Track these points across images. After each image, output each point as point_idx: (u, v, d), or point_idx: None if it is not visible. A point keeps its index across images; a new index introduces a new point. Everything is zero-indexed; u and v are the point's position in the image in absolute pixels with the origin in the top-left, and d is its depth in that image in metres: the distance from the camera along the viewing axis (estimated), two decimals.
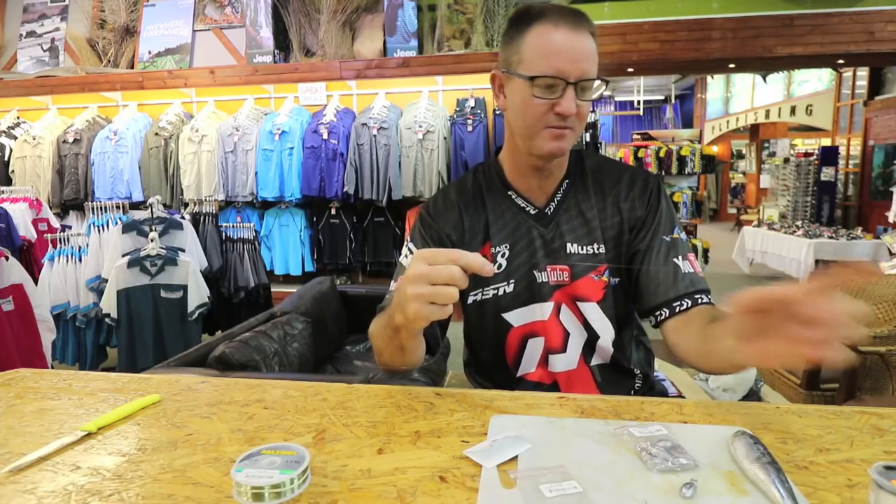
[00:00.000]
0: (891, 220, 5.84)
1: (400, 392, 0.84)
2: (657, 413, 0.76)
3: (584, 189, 1.00)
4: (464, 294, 0.99)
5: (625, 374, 1.02)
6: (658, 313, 0.93)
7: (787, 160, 8.43)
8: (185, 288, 2.93)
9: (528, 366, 1.00)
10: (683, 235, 0.99)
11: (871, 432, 0.69)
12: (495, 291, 0.98)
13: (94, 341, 3.27)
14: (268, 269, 3.93)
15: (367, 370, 2.30)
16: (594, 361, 1.00)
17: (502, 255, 0.98)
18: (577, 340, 0.98)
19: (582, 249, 0.97)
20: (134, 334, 2.92)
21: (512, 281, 0.98)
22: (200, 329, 3.09)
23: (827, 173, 7.45)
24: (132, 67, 4.89)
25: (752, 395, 2.32)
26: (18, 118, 4.95)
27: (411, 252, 0.99)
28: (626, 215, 0.98)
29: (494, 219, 1.00)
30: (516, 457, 0.63)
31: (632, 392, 1.02)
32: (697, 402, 0.80)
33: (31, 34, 5.20)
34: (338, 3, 4.48)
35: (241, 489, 0.56)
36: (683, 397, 1.45)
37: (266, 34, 4.60)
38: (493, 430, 0.70)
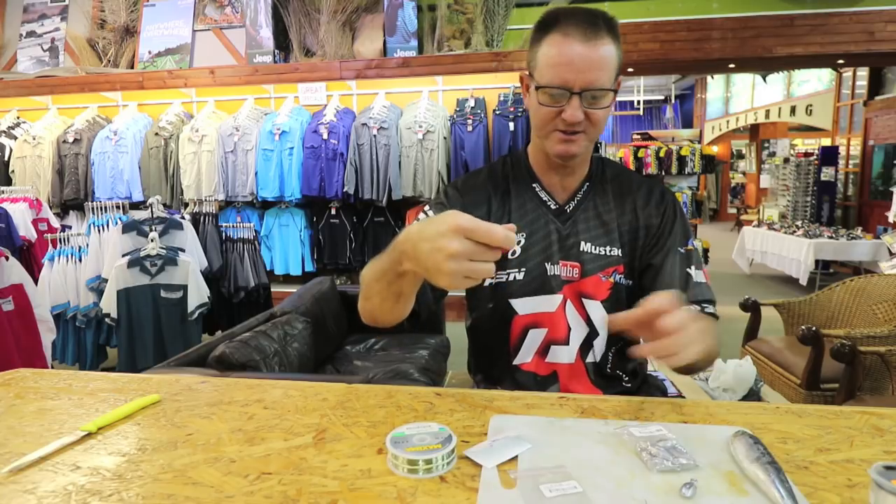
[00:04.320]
0: (891, 220, 5.83)
1: (400, 392, 0.84)
2: (657, 413, 0.76)
3: (604, 193, 1.04)
4: None
5: (615, 376, 1.04)
6: None
7: (787, 160, 8.42)
8: (185, 288, 2.92)
9: (525, 355, 1.02)
10: (697, 244, 1.01)
11: (871, 432, 0.69)
12: (506, 276, 1.00)
13: (94, 341, 3.27)
14: (268, 269, 3.93)
15: (367, 370, 2.30)
16: (589, 359, 1.02)
17: (518, 243, 1.00)
18: (577, 336, 1.01)
19: (596, 249, 1.00)
20: (134, 334, 2.92)
21: (524, 269, 1.00)
22: (200, 329, 3.09)
23: (827, 173, 7.44)
24: (132, 67, 4.89)
25: (752, 395, 2.31)
26: (18, 118, 4.95)
27: (428, 216, 0.95)
28: (644, 222, 1.02)
29: (517, 206, 1.03)
30: (516, 457, 0.63)
31: (622, 391, 1.05)
32: (697, 402, 0.80)
33: (31, 34, 5.20)
34: (338, 3, 4.48)
35: (397, 461, 0.61)
36: (683, 397, 1.45)
37: (266, 34, 4.61)
38: (493, 430, 0.70)
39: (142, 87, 4.66)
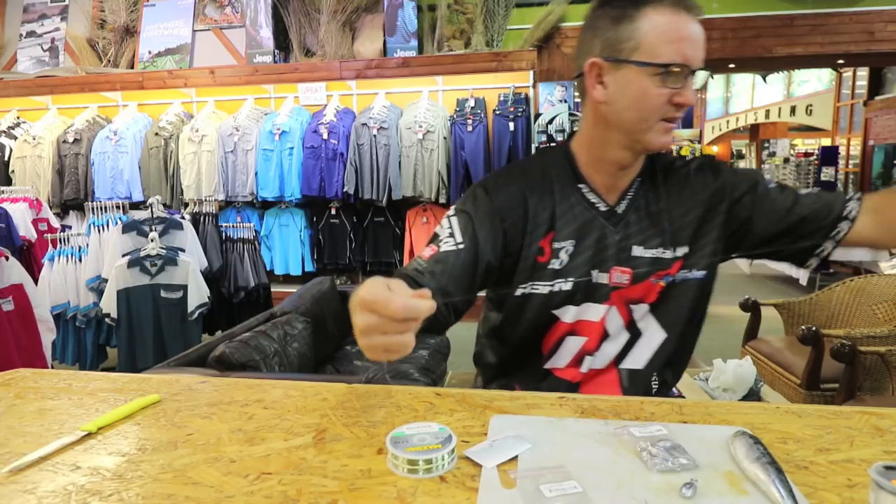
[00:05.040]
0: None
1: (400, 392, 0.84)
2: (657, 413, 0.76)
3: (655, 189, 0.94)
4: (509, 285, 0.94)
5: (647, 384, 0.98)
6: (834, 233, 0.89)
7: (787, 160, 8.43)
8: (185, 288, 2.92)
9: (559, 361, 0.96)
10: None
11: (871, 432, 0.69)
12: (550, 288, 0.92)
13: (94, 341, 3.27)
14: (268, 269, 3.93)
15: (367, 370, 2.30)
16: (625, 364, 0.96)
17: (566, 252, 0.92)
18: (613, 343, 0.95)
19: (649, 252, 0.92)
20: (134, 334, 2.92)
21: (570, 280, 0.92)
22: (200, 329, 3.09)
23: (827, 173, 7.45)
24: (132, 67, 4.89)
25: (752, 395, 2.31)
26: (18, 118, 4.95)
27: (450, 226, 0.90)
28: (711, 204, 0.93)
29: (562, 211, 0.92)
30: (516, 457, 0.63)
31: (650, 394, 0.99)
32: (697, 402, 0.80)
33: (31, 34, 5.20)
34: (338, 3, 4.48)
35: (397, 461, 0.61)
36: (683, 397, 1.45)
37: (266, 34, 4.61)
38: (493, 430, 0.70)
39: (142, 87, 4.66)
